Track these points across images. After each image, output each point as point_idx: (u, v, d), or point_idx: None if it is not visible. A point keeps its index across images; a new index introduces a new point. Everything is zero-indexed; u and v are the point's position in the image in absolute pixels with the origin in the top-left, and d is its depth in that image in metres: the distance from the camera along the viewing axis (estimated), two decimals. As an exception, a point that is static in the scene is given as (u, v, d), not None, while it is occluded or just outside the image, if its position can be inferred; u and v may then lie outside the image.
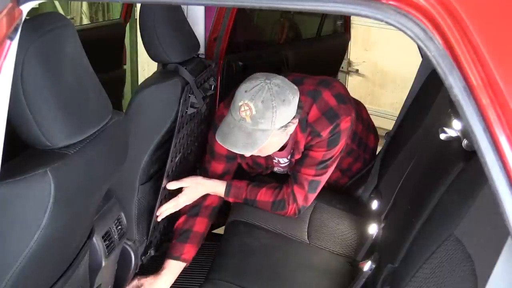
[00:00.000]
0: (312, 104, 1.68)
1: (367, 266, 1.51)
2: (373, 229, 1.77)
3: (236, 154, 1.82)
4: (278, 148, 1.71)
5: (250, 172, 1.98)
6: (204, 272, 1.75)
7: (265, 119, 1.49)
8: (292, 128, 1.62)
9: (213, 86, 1.83)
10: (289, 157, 1.84)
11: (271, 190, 1.80)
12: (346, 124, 1.69)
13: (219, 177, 1.85)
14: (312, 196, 1.80)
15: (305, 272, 1.70)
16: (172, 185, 1.75)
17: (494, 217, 0.77)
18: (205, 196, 1.83)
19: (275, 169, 1.96)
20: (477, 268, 0.95)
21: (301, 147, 1.73)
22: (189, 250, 1.76)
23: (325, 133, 1.68)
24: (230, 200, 1.83)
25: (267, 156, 1.83)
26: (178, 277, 1.77)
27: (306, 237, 1.83)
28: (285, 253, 1.76)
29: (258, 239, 1.79)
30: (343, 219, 1.94)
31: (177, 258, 1.75)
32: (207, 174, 1.86)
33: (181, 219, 1.82)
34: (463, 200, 1.08)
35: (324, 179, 1.79)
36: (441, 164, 1.37)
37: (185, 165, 1.92)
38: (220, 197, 1.86)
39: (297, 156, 1.77)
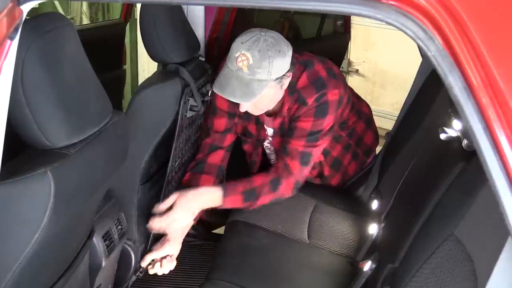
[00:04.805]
0: (303, 71, 1.70)
1: (367, 266, 1.51)
2: (373, 229, 1.77)
3: (236, 111, 1.82)
4: (273, 104, 1.71)
5: (244, 141, 1.97)
6: (204, 272, 1.75)
7: (262, 69, 1.51)
8: (286, 82, 1.64)
9: (210, 92, 1.83)
10: (275, 126, 1.85)
11: (263, 173, 1.75)
12: (333, 96, 1.69)
13: (222, 134, 1.84)
14: (306, 170, 1.76)
15: (305, 272, 1.70)
16: (162, 206, 1.65)
17: (494, 217, 0.77)
18: (208, 153, 1.83)
19: (265, 144, 1.95)
20: (477, 268, 0.95)
21: (284, 110, 1.74)
22: None
23: (310, 101, 1.68)
24: (227, 204, 1.70)
25: (259, 124, 1.84)
26: (178, 277, 1.77)
27: (306, 237, 1.83)
28: (285, 253, 1.76)
29: (258, 239, 1.79)
30: (343, 219, 1.94)
31: None
32: (209, 133, 1.86)
33: (186, 176, 1.81)
34: (463, 200, 1.08)
35: (315, 153, 1.76)
36: (441, 164, 1.37)
37: (184, 171, 1.92)
38: (224, 155, 1.85)
39: (279, 120, 1.77)
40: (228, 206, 1.72)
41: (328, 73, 1.71)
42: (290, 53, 1.58)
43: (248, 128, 1.89)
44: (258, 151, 1.98)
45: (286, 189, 1.74)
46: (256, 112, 1.73)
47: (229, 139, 1.86)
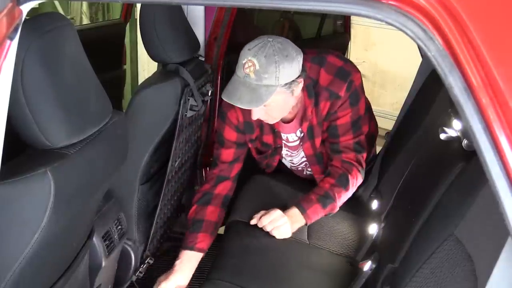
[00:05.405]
0: (320, 69, 1.72)
1: (367, 266, 1.51)
2: (373, 229, 1.77)
3: (246, 139, 1.83)
4: (286, 111, 1.70)
5: (260, 159, 1.97)
6: (204, 272, 1.75)
7: (269, 74, 1.51)
8: (298, 89, 1.62)
9: (210, 92, 1.83)
10: (298, 134, 1.84)
11: (325, 177, 1.80)
12: (359, 80, 1.74)
13: (230, 164, 1.84)
14: (363, 157, 1.82)
15: (305, 272, 1.70)
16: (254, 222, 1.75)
17: (494, 217, 0.77)
18: (216, 184, 1.83)
19: (284, 152, 1.93)
20: (477, 268, 0.95)
21: (309, 113, 1.74)
22: (203, 240, 1.75)
23: (342, 92, 1.70)
24: (311, 217, 1.75)
25: (275, 134, 1.84)
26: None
27: (306, 237, 1.83)
28: (285, 253, 1.75)
29: (258, 239, 1.79)
30: (343, 219, 1.94)
31: (191, 248, 1.73)
32: (216, 163, 1.85)
33: (193, 208, 1.81)
34: (463, 200, 1.08)
35: (363, 138, 1.81)
36: (441, 164, 1.37)
37: (184, 171, 1.92)
38: (231, 186, 1.85)
39: (306, 124, 1.77)
40: (313, 219, 1.76)
41: (343, 61, 1.75)
42: (299, 58, 1.57)
43: (265, 141, 1.88)
44: (276, 158, 1.97)
45: (355, 179, 1.79)
46: (270, 120, 1.72)
47: (236, 168, 1.86)
